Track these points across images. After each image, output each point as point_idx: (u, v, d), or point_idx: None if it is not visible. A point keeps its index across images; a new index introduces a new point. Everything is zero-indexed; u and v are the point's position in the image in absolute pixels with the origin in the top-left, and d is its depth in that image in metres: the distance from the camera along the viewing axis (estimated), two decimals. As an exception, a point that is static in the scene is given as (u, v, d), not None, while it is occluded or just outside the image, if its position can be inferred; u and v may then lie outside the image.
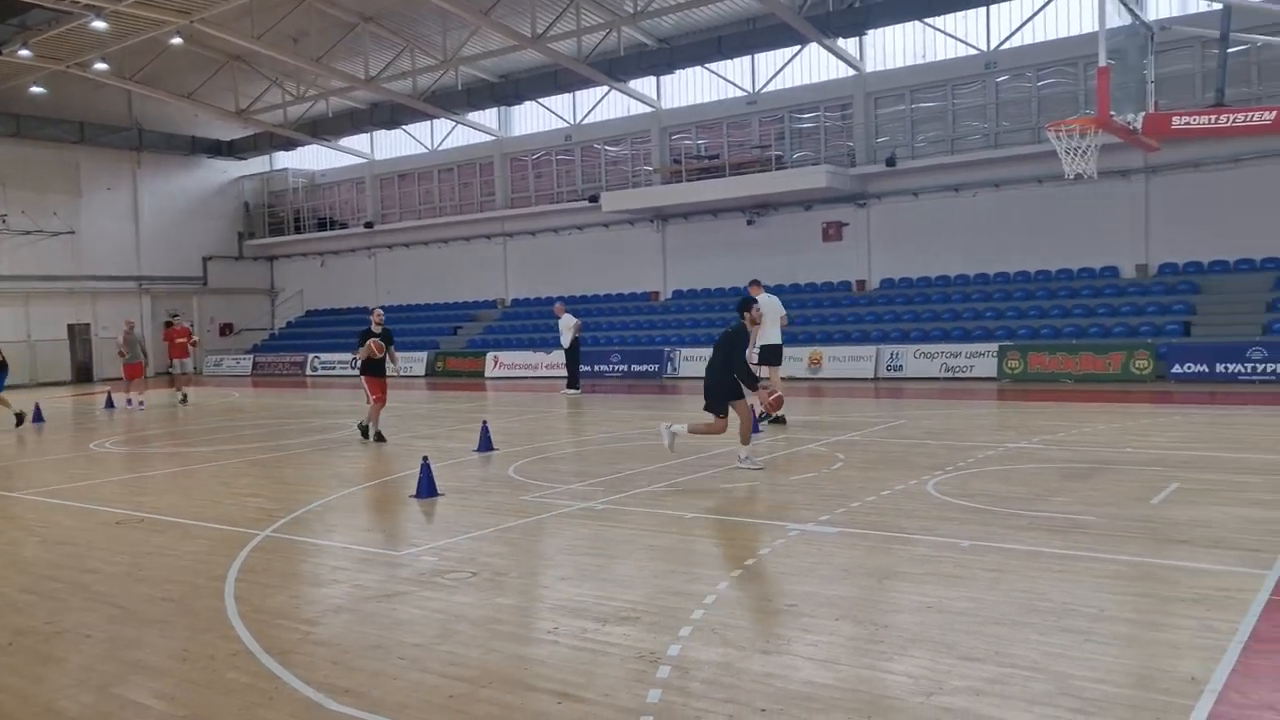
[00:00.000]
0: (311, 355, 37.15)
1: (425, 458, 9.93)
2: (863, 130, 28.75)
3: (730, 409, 10.56)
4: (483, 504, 9.27)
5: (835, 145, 29.51)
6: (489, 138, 37.11)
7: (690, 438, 10.98)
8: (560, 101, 35.15)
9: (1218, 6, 9.48)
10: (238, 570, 6.98)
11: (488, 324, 36.17)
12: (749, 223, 30.98)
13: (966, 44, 27.32)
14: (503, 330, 34.99)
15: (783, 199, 29.56)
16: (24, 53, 30.74)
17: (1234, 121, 8.12)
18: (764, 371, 14.31)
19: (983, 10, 26.65)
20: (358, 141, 40.76)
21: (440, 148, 38.97)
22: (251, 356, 39.50)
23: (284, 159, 43.70)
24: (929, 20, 27.30)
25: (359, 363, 14.60)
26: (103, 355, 37.17)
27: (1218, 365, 20.42)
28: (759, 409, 14.09)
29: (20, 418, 18.28)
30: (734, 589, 6.03)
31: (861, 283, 29.29)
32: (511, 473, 11.02)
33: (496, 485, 10.33)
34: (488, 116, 36.85)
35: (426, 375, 33.11)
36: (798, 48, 29.22)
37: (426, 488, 9.54)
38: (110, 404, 23.28)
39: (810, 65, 30.06)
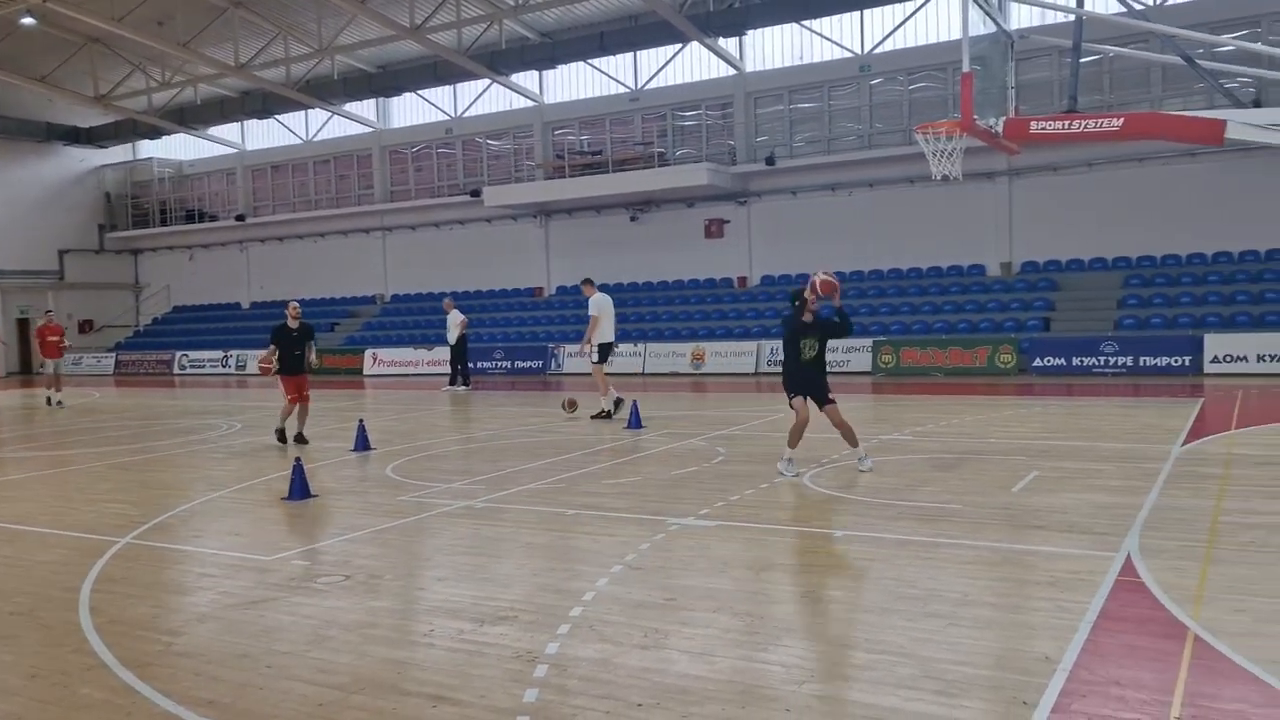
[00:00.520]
0: (179, 353, 35.64)
1: (298, 459, 9.64)
2: (743, 129, 29.21)
3: (805, 404, 9.83)
4: (358, 505, 9.06)
5: (717, 143, 29.91)
6: (367, 129, 36.25)
7: (796, 449, 9.89)
8: (441, 94, 34.61)
9: (1072, 18, 9.97)
10: (94, 580, 6.63)
11: (366, 320, 35.37)
12: (632, 219, 31.12)
13: (842, 47, 28.06)
14: (382, 326, 34.26)
15: (665, 196, 29.80)
16: None
17: (1086, 127, 8.56)
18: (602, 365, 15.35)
19: (857, 14, 27.42)
20: (228, 131, 39.23)
21: (316, 139, 37.87)
22: (114, 355, 37.63)
23: (149, 148, 41.69)
24: (806, 23, 27.93)
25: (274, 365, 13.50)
26: (-53, 354, 34.84)
27: (1074, 359, 21.53)
28: (604, 403, 15.05)
29: None
30: (613, 585, 6.05)
31: (743, 279, 29.77)
32: (389, 472, 10.79)
33: (373, 485, 10.10)
34: (365, 107, 35.99)
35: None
36: (679, 46, 29.49)
37: (299, 489, 9.26)
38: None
39: (692, 64, 30.38)
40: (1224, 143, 8.22)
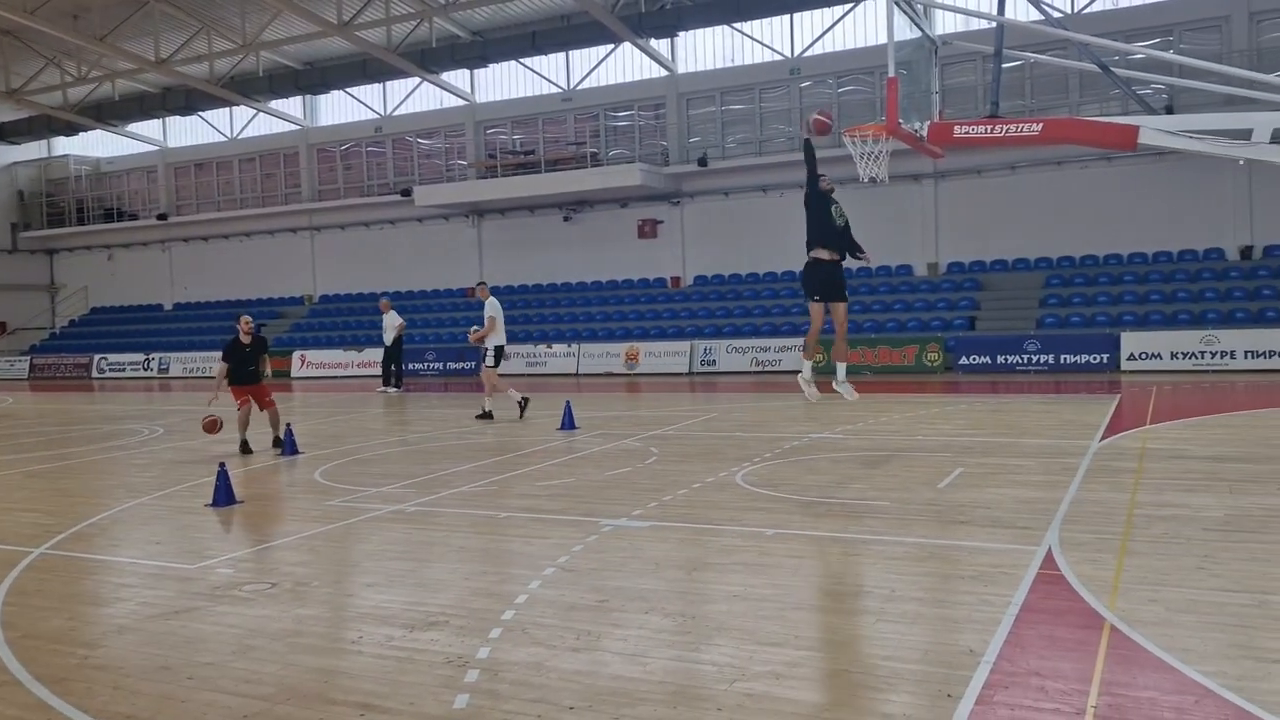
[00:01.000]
0: (98, 356, 34.57)
1: (223, 464, 9.43)
2: (676, 130, 29.35)
3: (821, 309, 10.06)
4: (285, 511, 8.89)
5: (649, 144, 30.01)
6: (294, 127, 35.59)
7: (808, 360, 10.29)
8: (370, 91, 34.14)
9: (994, 25, 10.21)
10: (6, 593, 6.39)
11: (294, 321, 34.72)
12: (566, 219, 31.07)
13: (772, 50, 28.37)
14: (310, 328, 33.67)
15: (599, 196, 29.81)
16: None
17: (1007, 132, 8.78)
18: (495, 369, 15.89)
19: (787, 18, 27.74)
20: (149, 128, 38.19)
21: (241, 136, 37.08)
22: (28, 358, 36.37)
23: (64, 144, 40.37)
24: (737, 25, 28.17)
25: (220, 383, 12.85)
26: None
27: (998, 356, 22.07)
28: (488, 405, 15.62)
29: None
30: (546, 588, 6.02)
31: (676, 279, 29.91)
32: (318, 477, 10.61)
33: (301, 491, 9.92)
34: (292, 105, 35.34)
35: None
36: (612, 46, 29.52)
37: (224, 495, 9.05)
38: None
39: (624, 64, 30.43)
40: (1137, 148, 8.50)
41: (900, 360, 23.00)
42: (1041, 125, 8.91)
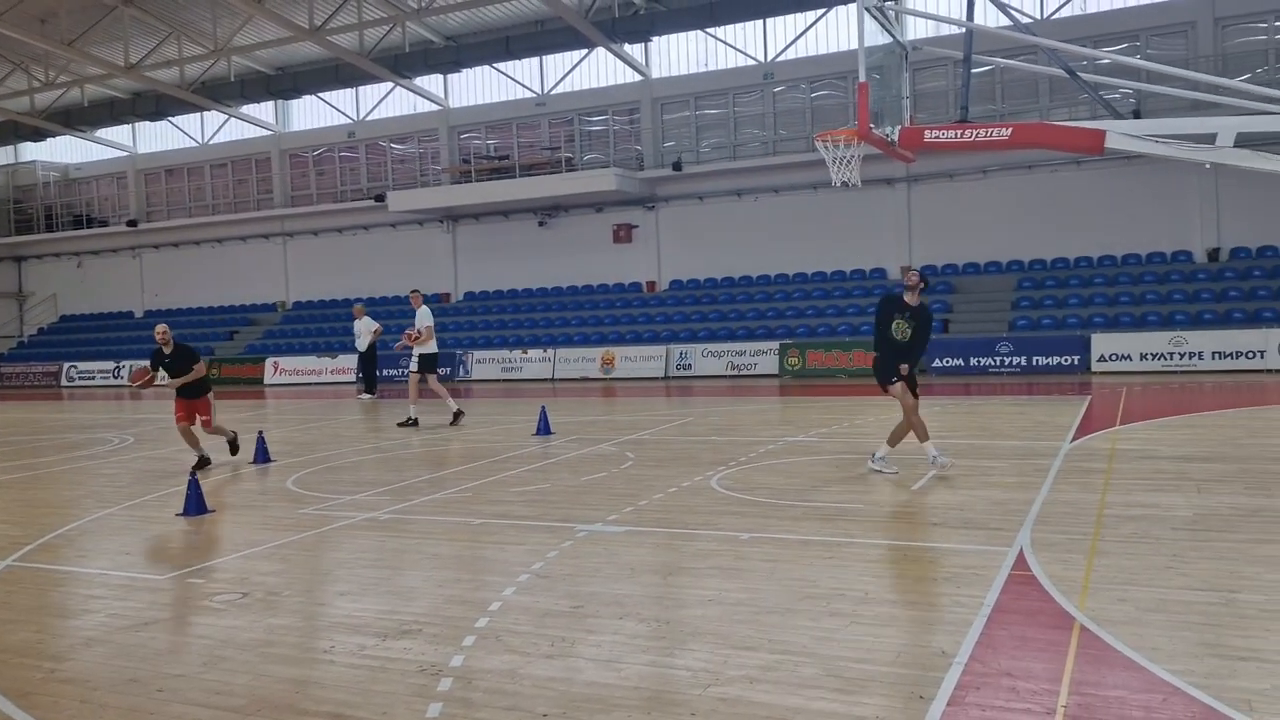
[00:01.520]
0: (68, 364, 34.17)
1: (194, 472, 9.33)
2: (650, 135, 29.40)
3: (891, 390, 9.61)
4: (257, 520, 8.81)
5: (624, 149, 30.04)
6: (266, 132, 35.36)
7: (897, 447, 9.77)
8: (343, 97, 33.97)
9: (963, 30, 10.30)
10: (-29, 606, 6.30)
11: (267, 328, 34.45)
12: (540, 224, 31.03)
13: (746, 55, 28.48)
14: (284, 334, 33.42)
15: (573, 201, 29.80)
16: None
17: (977, 137, 8.85)
18: (427, 378, 15.97)
19: (760, 23, 27.87)
20: (118, 133, 37.81)
21: (212, 142, 36.79)
22: (-4, 367, 35.89)
23: (32, 150, 39.90)
24: (711, 30, 28.25)
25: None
26: None
27: (971, 359, 22.24)
28: (413, 412, 15.67)
29: None
30: (520, 594, 6.00)
31: (652, 284, 29.94)
32: (290, 485, 10.53)
33: (273, 499, 9.84)
34: (264, 110, 35.11)
35: (200, 383, 31.09)
36: (586, 51, 29.53)
37: (195, 505, 8.96)
38: None
39: (598, 69, 30.45)
40: (1104, 152, 8.59)
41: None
42: (1011, 130, 8.99)
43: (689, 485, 9.46)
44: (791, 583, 6.02)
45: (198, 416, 11.89)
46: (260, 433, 12.89)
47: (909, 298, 9.54)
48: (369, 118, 33.89)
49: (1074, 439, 11.52)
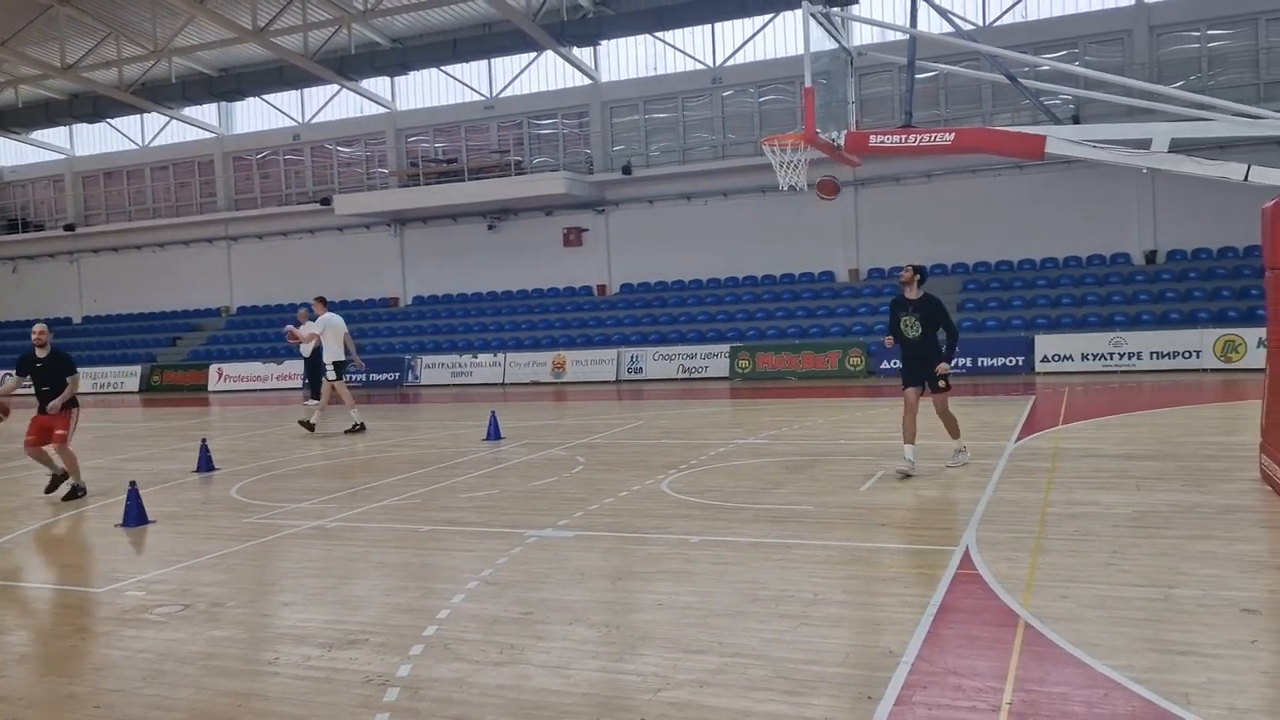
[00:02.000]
0: (2, 372, 33.15)
1: (133, 482, 9.12)
2: (600, 138, 29.38)
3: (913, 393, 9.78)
4: (200, 529, 8.63)
5: (574, 152, 29.99)
6: (208, 135, 34.73)
7: (959, 439, 9.97)
8: (287, 99, 33.48)
9: (907, 37, 10.44)
10: (-103, 623, 6.08)
11: (211, 334, 33.82)
12: (490, 228, 30.86)
13: (694, 59, 28.59)
14: (228, 340, 32.83)
15: (523, 204, 29.67)
16: None
17: (921, 141, 8.98)
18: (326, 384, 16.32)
19: (709, 28, 27.99)
20: (55, 135, 36.88)
21: (153, 144, 36.04)
22: (-74, 375, 34.75)
23: (-37, 152, 38.79)
24: (659, 35, 28.32)
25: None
26: None
27: (919, 361, 22.48)
28: (317, 417, 15.98)
29: None
30: (469, 601, 5.95)
31: (602, 287, 29.91)
32: (235, 493, 10.34)
33: (217, 508, 9.65)
34: (206, 112, 34.48)
35: (141, 391, 30.49)
36: (534, 54, 29.44)
37: (135, 515, 8.76)
38: None
39: (547, 72, 30.37)
40: (1045, 157, 8.76)
41: (824, 365, 23.33)
42: (954, 135, 9.13)
43: (640, 489, 9.45)
44: (741, 585, 6.03)
45: (55, 431, 10.24)
46: (204, 440, 12.63)
47: (909, 293, 9.78)
48: (314, 120, 33.45)
49: (1018, 439, 11.72)
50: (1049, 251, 25.41)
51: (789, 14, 26.43)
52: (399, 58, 29.37)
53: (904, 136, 8.94)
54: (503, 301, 30.73)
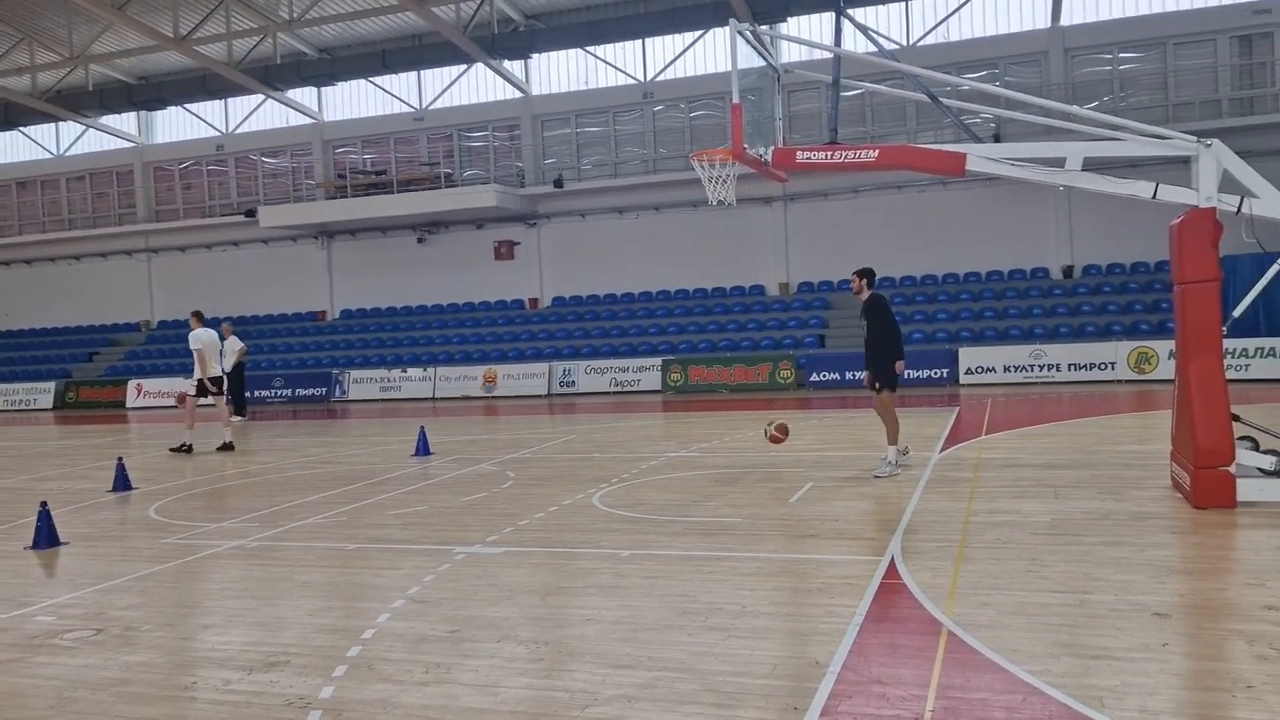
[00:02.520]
0: (-95, 389, 31.78)
1: (44, 503, 8.80)
2: (531, 151, 29.33)
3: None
4: (115, 551, 8.35)
5: (504, 165, 29.89)
6: (128, 144, 33.84)
7: (895, 444, 10.31)
8: (211, 108, 32.80)
9: (832, 56, 10.61)
10: None
11: (130, 348, 32.85)
12: (420, 240, 30.56)
13: (625, 74, 28.74)
14: (148, 355, 31.92)
15: (454, 217, 29.46)
16: None
17: (846, 158, 9.12)
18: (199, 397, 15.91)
19: (640, 43, 28.18)
20: (-37, 143, 35.59)
21: (68, 153, 34.99)
22: None
23: None
24: (590, 49, 28.41)
25: None
26: None
27: (846, 373, 22.85)
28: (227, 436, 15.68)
29: None
30: (395, 620, 5.85)
31: (534, 301, 29.81)
32: (152, 513, 10.04)
33: (133, 528, 9.36)
34: (125, 121, 33.60)
35: (55, 408, 29.47)
36: (465, 67, 29.29)
37: (46, 537, 8.45)
38: None
39: (478, 85, 30.25)
40: (966, 174, 8.96)
41: (754, 378, 23.55)
42: (878, 152, 9.29)
43: (570, 503, 9.41)
44: (670, 598, 6.04)
45: None
46: (120, 459, 12.25)
47: (861, 298, 10.56)
48: (239, 130, 32.81)
49: (943, 449, 11.96)
50: (972, 266, 26.03)
51: (718, 30, 26.75)
52: (326, 68, 28.98)
53: (830, 153, 9.07)
54: (433, 315, 30.42)
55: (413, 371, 26.79)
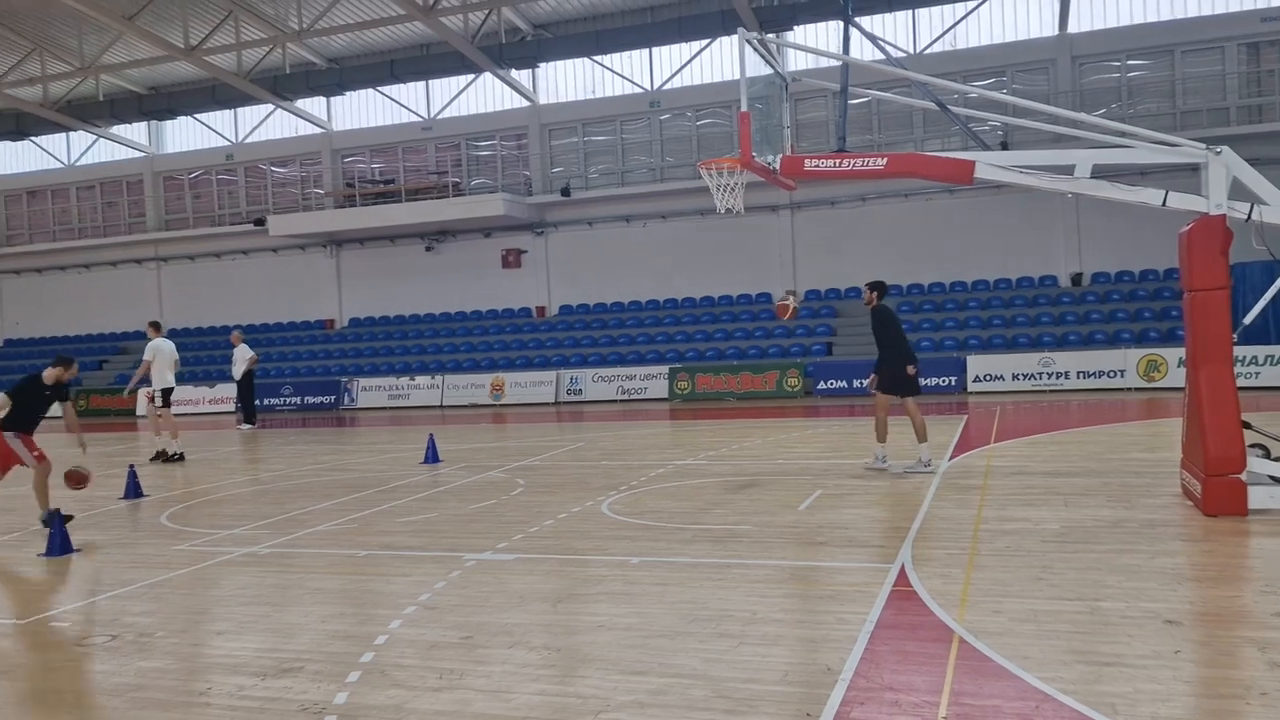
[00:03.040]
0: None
1: (57, 509, 8.85)
2: (538, 160, 29.42)
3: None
4: (128, 558, 8.40)
5: (512, 174, 29.98)
6: (138, 154, 34.02)
7: (924, 445, 10.80)
8: (221, 118, 32.97)
9: (840, 64, 10.66)
10: None
11: (140, 357, 32.90)
12: (428, 249, 30.66)
13: (632, 83, 28.82)
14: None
15: (462, 226, 29.55)
16: None
17: (854, 166, 9.14)
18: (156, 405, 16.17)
19: (646, 52, 28.27)
20: (-25, 153, 35.82)
21: (79, 163, 35.19)
22: None
23: (-122, 170, 37.44)
24: (597, 58, 28.51)
25: None
26: None
27: (854, 381, 22.82)
28: (174, 447, 15.55)
29: None
30: (407, 627, 5.88)
31: (541, 309, 29.86)
32: (164, 520, 10.08)
33: (146, 536, 9.40)
34: (136, 131, 33.79)
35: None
36: (473, 76, 29.41)
37: (59, 544, 8.50)
38: None
39: (486, 94, 30.36)
40: (974, 181, 8.99)
41: (762, 386, 23.55)
42: (886, 160, 9.32)
43: (579, 511, 9.43)
44: (681, 605, 6.05)
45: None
46: (131, 466, 12.31)
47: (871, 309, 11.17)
48: (248, 140, 32.97)
49: (952, 457, 11.95)
50: (980, 274, 26.02)
51: (725, 39, 26.84)
52: (335, 78, 29.13)
53: (838, 161, 9.11)
54: (441, 323, 30.50)
55: (421, 379, 26.84)
